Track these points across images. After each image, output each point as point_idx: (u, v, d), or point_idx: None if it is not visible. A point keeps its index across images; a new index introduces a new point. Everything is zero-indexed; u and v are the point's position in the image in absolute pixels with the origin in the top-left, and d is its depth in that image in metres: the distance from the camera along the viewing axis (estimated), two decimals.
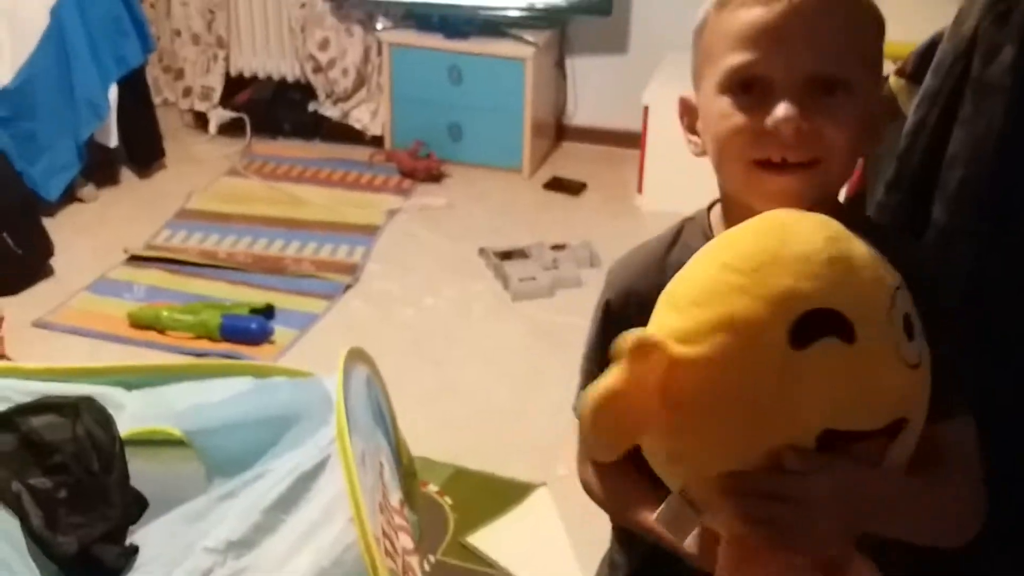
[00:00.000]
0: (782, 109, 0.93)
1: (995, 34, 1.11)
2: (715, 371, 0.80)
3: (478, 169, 3.88)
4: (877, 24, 1.00)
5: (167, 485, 1.46)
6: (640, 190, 3.62)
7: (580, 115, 4.11)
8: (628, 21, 3.91)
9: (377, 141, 4.09)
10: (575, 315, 2.83)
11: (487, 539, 2.17)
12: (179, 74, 4.25)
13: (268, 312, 2.95)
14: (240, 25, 4.16)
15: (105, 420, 1.46)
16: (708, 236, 1.04)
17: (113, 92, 3.50)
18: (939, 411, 0.90)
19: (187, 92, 4.26)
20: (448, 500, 2.27)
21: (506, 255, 3.25)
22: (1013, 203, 1.12)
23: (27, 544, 1.34)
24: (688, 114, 1.06)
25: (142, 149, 3.82)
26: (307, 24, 4.03)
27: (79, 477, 1.41)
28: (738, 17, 0.96)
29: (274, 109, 4.19)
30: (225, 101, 4.21)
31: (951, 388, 0.94)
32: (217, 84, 4.20)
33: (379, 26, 3.97)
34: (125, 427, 1.48)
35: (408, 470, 1.67)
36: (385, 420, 1.59)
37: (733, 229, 0.89)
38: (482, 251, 3.31)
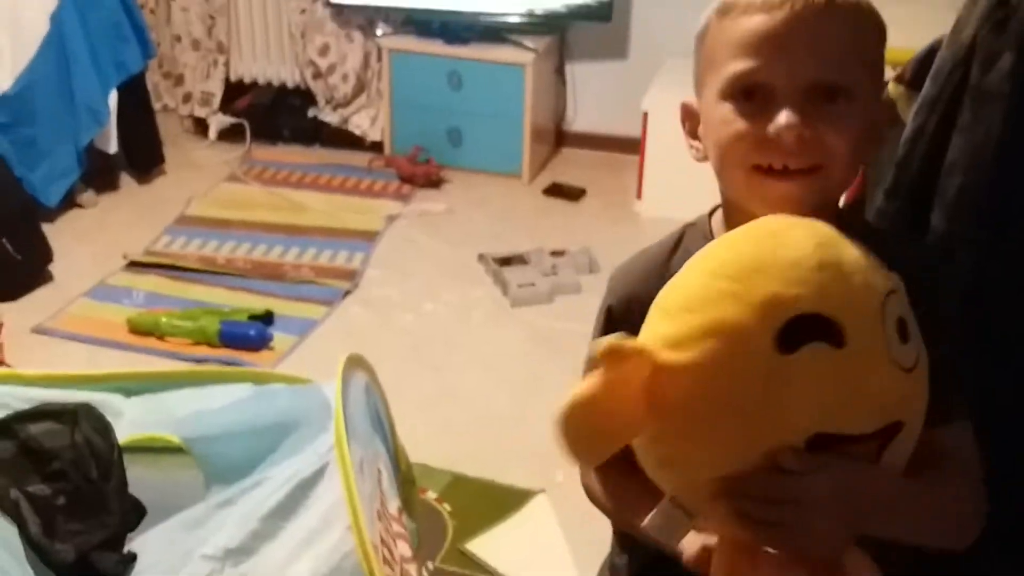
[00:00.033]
0: (784, 116, 0.94)
1: (993, 41, 1.11)
2: (703, 376, 0.81)
3: (478, 175, 3.88)
4: (879, 31, 1.00)
5: (165, 492, 1.46)
6: (639, 196, 3.62)
7: (580, 121, 4.11)
8: (628, 27, 3.91)
9: (377, 147, 4.09)
10: (574, 321, 2.85)
11: (486, 546, 2.16)
12: (179, 80, 4.26)
13: (267, 318, 2.94)
14: (240, 31, 4.16)
15: (104, 427, 1.46)
16: (709, 242, 1.04)
17: (113, 98, 3.50)
18: (938, 415, 0.90)
19: (187, 98, 4.26)
20: (447, 507, 2.27)
21: (505, 261, 3.24)
22: (1012, 210, 1.12)
23: (25, 551, 1.34)
24: (690, 119, 1.06)
25: (142, 155, 3.82)
26: (307, 30, 4.03)
27: (77, 484, 1.41)
28: (740, 24, 0.96)
29: (274, 115, 4.19)
30: (225, 107, 4.21)
31: (950, 392, 0.94)
32: (217, 90, 4.21)
33: (379, 32, 3.97)
34: (124, 434, 1.48)
35: (407, 477, 1.67)
36: (383, 427, 1.59)
37: (725, 236, 0.90)
38: (481, 257, 3.31)
